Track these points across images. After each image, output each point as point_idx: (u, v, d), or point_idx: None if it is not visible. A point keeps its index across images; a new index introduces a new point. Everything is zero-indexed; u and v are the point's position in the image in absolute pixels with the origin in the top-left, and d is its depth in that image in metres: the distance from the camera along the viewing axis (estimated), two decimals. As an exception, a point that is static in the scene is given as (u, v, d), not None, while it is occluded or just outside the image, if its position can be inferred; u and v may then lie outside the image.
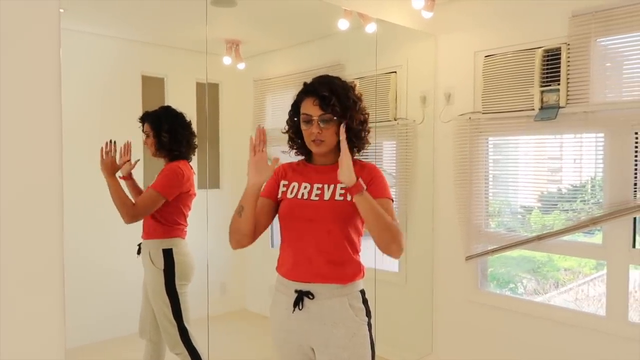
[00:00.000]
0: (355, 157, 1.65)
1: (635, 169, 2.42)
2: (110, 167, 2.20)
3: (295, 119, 1.65)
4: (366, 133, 1.66)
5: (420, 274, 3.26)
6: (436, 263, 3.23)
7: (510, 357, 2.89)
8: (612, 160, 2.50)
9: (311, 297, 1.57)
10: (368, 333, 1.61)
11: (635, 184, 2.42)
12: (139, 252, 2.43)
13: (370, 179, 1.60)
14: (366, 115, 1.65)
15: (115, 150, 2.21)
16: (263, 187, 1.61)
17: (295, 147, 1.71)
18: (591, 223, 2.53)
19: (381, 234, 1.51)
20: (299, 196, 1.62)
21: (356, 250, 1.63)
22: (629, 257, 2.46)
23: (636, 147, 2.43)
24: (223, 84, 3.19)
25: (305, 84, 1.65)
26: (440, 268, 3.19)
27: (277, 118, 3.81)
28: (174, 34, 3.00)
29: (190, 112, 2.92)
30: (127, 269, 2.57)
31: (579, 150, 2.84)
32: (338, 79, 1.64)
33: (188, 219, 2.47)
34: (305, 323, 1.59)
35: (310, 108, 1.58)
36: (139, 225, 2.43)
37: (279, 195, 1.67)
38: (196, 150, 2.52)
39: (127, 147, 2.30)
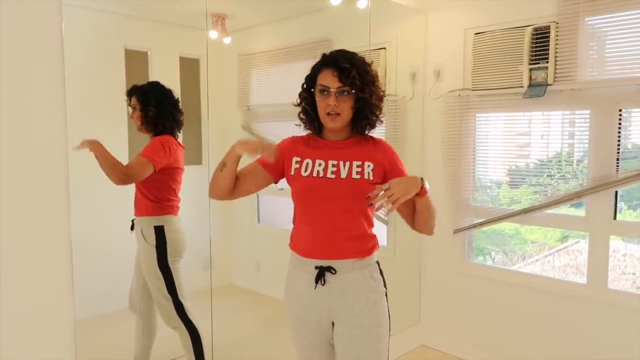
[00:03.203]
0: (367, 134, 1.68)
1: (618, 145, 2.54)
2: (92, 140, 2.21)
3: (312, 89, 1.62)
4: (380, 111, 1.66)
5: (408, 247, 3.35)
6: (424, 236, 3.31)
7: (495, 325, 3.03)
8: (597, 137, 2.61)
9: (333, 271, 1.59)
10: (386, 303, 1.66)
11: (618, 159, 2.55)
12: (132, 228, 2.44)
13: (390, 161, 1.65)
14: (381, 93, 1.65)
15: None
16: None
17: (307, 122, 1.68)
18: (576, 196, 2.66)
19: (430, 223, 1.64)
20: (315, 174, 1.61)
21: (371, 224, 1.67)
22: (610, 228, 2.60)
23: (619, 124, 2.54)
24: (208, 59, 3.16)
25: (324, 55, 1.62)
26: (429, 241, 3.29)
27: (262, 94, 3.79)
28: (158, 7, 2.93)
29: (174, 87, 2.88)
30: (118, 245, 2.56)
31: (546, 127, 2.99)
32: (356, 54, 1.62)
33: (180, 194, 2.48)
34: (327, 297, 1.61)
35: (328, 79, 1.56)
36: (131, 201, 2.42)
37: (292, 172, 1.65)
38: (182, 126, 2.51)
39: None
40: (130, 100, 2.43)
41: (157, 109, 2.37)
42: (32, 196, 1.42)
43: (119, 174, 2.20)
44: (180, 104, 2.49)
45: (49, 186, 1.46)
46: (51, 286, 1.48)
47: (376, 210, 1.53)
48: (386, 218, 3.37)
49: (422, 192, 1.55)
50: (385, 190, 1.47)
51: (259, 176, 1.67)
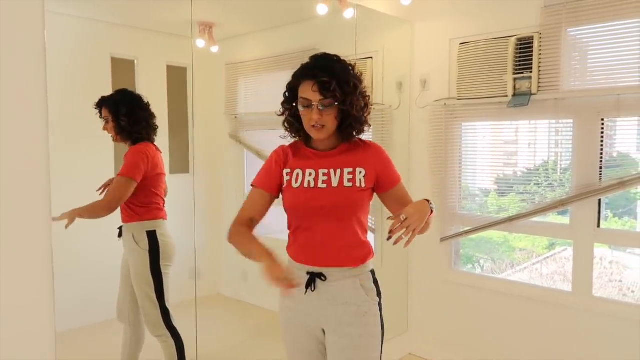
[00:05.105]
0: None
1: (601, 154, 2.57)
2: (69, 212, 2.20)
3: (294, 104, 1.59)
4: (367, 116, 1.62)
5: (395, 256, 3.35)
6: (411, 245, 3.31)
7: (483, 333, 3.04)
8: (580, 146, 2.63)
9: (324, 278, 1.58)
10: (379, 313, 1.64)
11: (601, 168, 2.57)
12: (119, 235, 2.42)
13: (382, 164, 1.63)
14: (367, 98, 1.61)
15: None
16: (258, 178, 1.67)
17: (293, 131, 1.66)
18: (560, 205, 2.68)
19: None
20: (306, 184, 1.59)
21: (365, 232, 1.65)
22: (594, 236, 2.62)
23: (602, 133, 2.57)
24: (195, 67, 3.17)
25: (302, 65, 1.57)
26: (416, 249, 3.29)
27: (249, 102, 3.79)
28: (145, 16, 2.93)
29: (161, 96, 2.87)
30: (104, 254, 2.53)
31: (533, 136, 3.02)
32: (338, 60, 1.58)
33: (165, 199, 2.46)
34: (317, 304, 1.60)
35: (309, 93, 1.52)
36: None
37: (284, 184, 1.63)
38: (157, 131, 2.49)
39: None
40: (101, 112, 2.39)
41: (129, 117, 2.34)
42: (12, 205, 1.40)
43: (103, 209, 2.24)
44: (150, 107, 2.47)
45: (30, 195, 1.44)
46: (30, 296, 1.46)
47: (394, 244, 1.48)
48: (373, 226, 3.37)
49: (431, 215, 1.54)
50: (403, 221, 1.45)
51: (266, 200, 1.67)
